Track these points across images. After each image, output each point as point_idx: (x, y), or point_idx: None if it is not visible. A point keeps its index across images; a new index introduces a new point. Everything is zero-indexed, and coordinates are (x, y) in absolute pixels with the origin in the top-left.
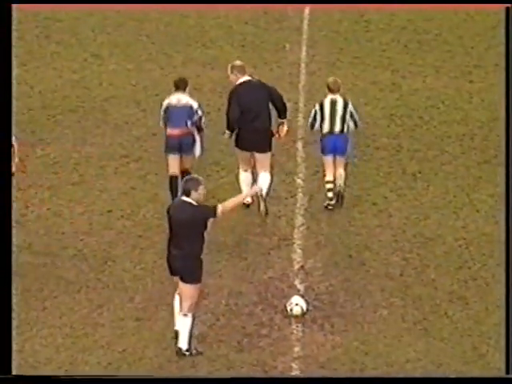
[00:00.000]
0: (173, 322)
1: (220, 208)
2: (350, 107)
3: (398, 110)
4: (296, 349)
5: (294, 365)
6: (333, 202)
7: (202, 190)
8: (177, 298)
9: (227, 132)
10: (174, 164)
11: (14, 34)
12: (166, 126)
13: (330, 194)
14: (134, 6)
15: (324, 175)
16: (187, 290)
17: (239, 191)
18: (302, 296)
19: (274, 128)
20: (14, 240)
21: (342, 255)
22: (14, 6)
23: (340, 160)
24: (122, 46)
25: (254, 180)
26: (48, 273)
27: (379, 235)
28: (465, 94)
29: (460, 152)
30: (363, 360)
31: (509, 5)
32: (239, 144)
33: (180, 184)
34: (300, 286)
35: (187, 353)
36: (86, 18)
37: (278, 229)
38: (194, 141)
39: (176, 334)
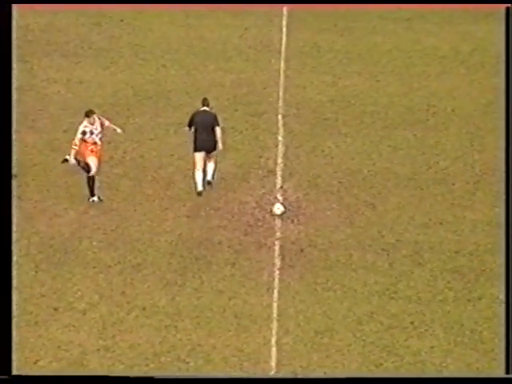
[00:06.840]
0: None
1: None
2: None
3: (336, 97)
4: (278, 233)
5: (276, 242)
6: None
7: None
8: (197, 172)
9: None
10: None
11: (116, 54)
12: None
13: None
14: (134, 7)
15: None
16: (214, 155)
17: None
18: (282, 203)
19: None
20: (118, 171)
21: (304, 180)
22: (14, 6)
23: None
24: (178, 60)
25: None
26: (136, 189)
27: (325, 168)
28: (374, 88)
29: (371, 121)
30: (317, 234)
31: (509, 5)
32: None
33: None
34: (280, 198)
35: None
36: (159, 44)
37: (267, 165)
38: None
39: (200, 192)
